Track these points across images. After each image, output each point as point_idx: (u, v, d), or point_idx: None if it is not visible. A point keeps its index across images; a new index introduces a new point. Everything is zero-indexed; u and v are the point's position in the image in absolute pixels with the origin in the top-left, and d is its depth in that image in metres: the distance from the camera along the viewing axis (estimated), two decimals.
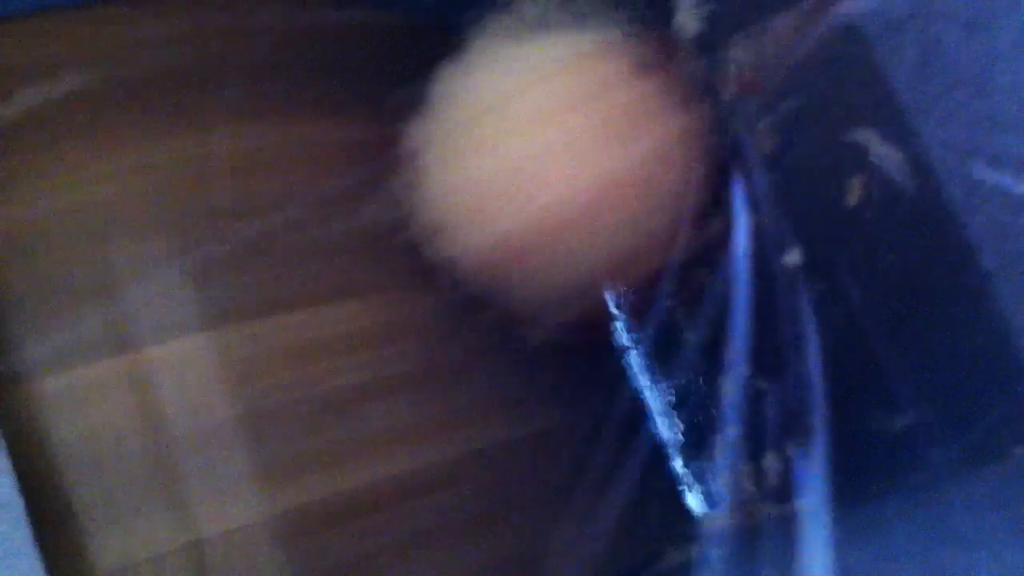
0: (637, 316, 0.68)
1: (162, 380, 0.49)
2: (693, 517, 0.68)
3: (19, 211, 0.49)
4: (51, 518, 0.45)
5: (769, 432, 0.62)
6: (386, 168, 0.56)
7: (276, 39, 0.56)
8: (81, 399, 0.47)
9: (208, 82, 0.53)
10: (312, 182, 0.55)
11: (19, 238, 0.48)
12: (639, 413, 0.70)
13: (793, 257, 0.54)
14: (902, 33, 0.43)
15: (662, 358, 0.70)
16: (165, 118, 0.52)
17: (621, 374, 0.70)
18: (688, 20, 0.56)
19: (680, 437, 0.70)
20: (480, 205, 0.54)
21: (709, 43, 0.54)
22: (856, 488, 0.55)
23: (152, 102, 0.52)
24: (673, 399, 0.71)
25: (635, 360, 0.71)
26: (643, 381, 0.72)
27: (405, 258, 0.56)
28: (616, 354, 0.71)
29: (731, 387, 0.64)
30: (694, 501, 0.69)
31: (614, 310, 0.71)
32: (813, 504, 0.58)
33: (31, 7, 0.50)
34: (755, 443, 0.63)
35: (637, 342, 0.71)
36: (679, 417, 0.70)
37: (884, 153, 0.47)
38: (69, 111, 0.50)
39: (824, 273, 0.53)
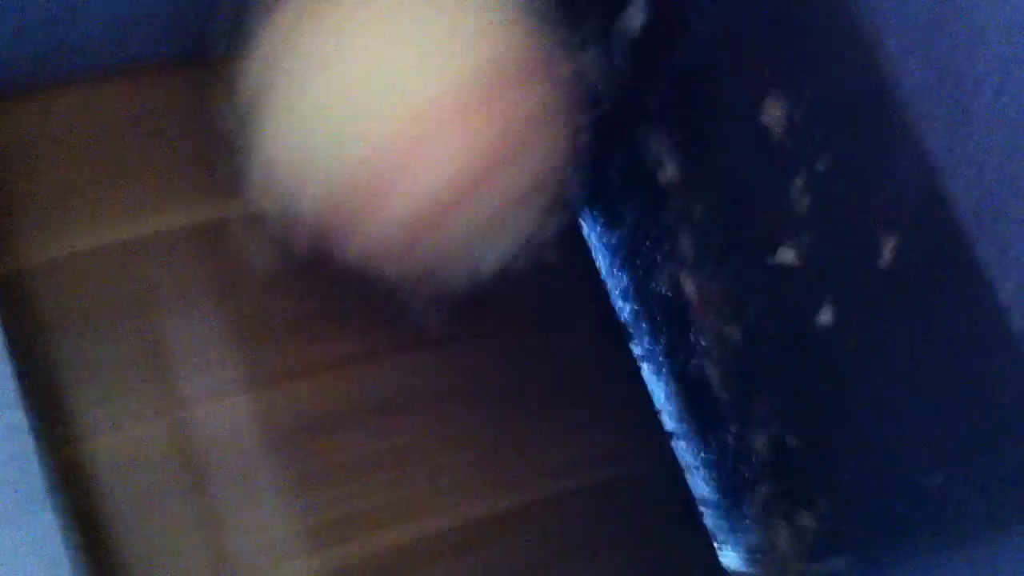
0: None
1: (207, 442, 0.49)
2: (729, 575, 0.68)
3: (72, 282, 0.50)
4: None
5: (803, 490, 0.62)
6: None
7: None
8: (130, 461, 0.48)
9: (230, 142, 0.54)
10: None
11: (73, 307, 0.49)
12: (674, 470, 0.70)
13: (826, 316, 0.54)
14: (933, 97, 0.44)
15: (695, 415, 0.70)
16: (206, 184, 0.53)
17: (655, 430, 0.71)
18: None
19: (714, 494, 0.70)
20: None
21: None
22: (893, 546, 0.54)
23: (190, 168, 0.53)
24: (706, 455, 0.71)
25: (667, 416, 0.72)
26: (676, 438, 0.72)
27: (444, 316, 0.57)
28: (649, 410, 0.71)
29: (763, 444, 0.64)
30: (729, 558, 0.68)
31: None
32: (848, 563, 0.58)
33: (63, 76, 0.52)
34: (789, 500, 0.63)
35: (669, 399, 0.72)
36: (713, 474, 0.70)
37: (916, 215, 0.47)
38: (111, 180, 0.52)
39: (856, 332, 0.53)
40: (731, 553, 0.68)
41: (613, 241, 0.70)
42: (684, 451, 0.72)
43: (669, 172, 0.63)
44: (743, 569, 0.67)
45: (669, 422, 0.72)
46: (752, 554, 0.66)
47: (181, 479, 0.49)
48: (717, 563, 0.69)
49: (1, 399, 0.41)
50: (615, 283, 0.71)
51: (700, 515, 0.70)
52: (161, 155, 0.53)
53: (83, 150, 0.52)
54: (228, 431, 0.50)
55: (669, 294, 0.68)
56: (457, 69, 0.49)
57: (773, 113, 0.53)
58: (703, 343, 0.66)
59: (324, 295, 0.54)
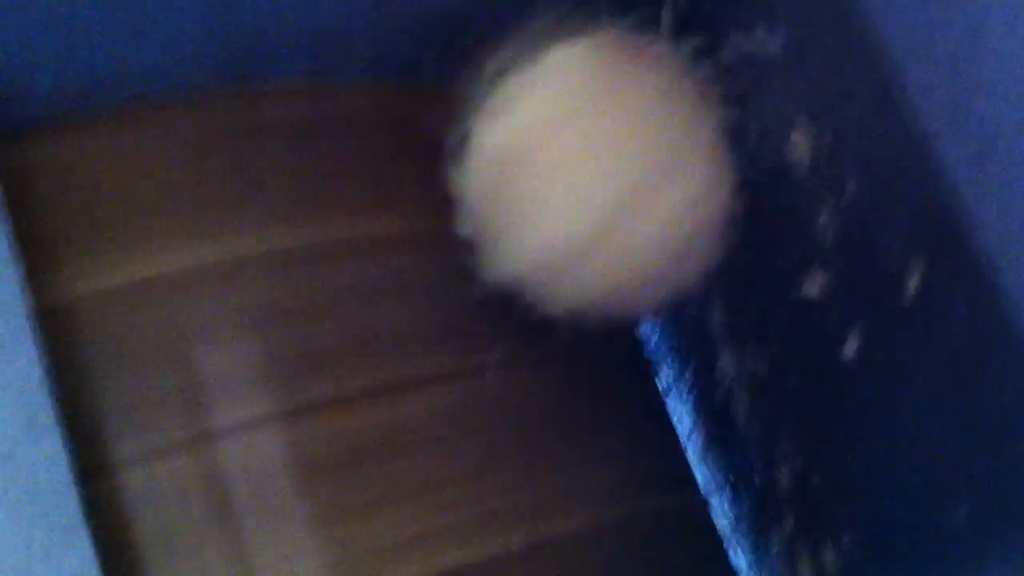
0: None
1: (239, 474, 0.49)
2: None
3: (109, 313, 0.50)
4: None
5: (828, 525, 0.61)
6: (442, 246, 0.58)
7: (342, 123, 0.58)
8: (162, 492, 0.48)
9: (287, 171, 0.55)
10: (380, 273, 0.56)
11: (110, 338, 0.50)
12: (699, 503, 0.70)
13: (851, 349, 0.55)
14: (957, 132, 0.44)
15: (720, 449, 0.70)
16: (246, 215, 0.53)
17: (680, 464, 0.70)
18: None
19: (739, 528, 0.70)
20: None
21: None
22: None
23: (227, 197, 0.54)
24: (731, 490, 0.71)
25: (692, 449, 0.72)
26: (702, 472, 0.72)
27: (472, 347, 0.57)
28: (674, 443, 0.71)
29: (788, 479, 0.64)
30: None
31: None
32: None
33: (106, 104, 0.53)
34: (813, 536, 0.63)
35: (694, 433, 0.72)
36: (737, 508, 0.70)
37: (940, 248, 0.47)
38: (148, 214, 0.52)
39: (881, 365, 0.53)
40: None
41: None
42: (709, 485, 0.72)
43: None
44: None
45: (694, 456, 0.72)
46: None
47: (213, 511, 0.49)
48: None
49: (42, 429, 0.41)
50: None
51: (724, 550, 0.69)
52: (198, 190, 0.54)
53: (122, 183, 0.53)
54: (260, 464, 0.50)
55: (694, 327, 0.68)
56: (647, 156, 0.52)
57: (798, 147, 0.54)
58: (728, 377, 0.66)
59: (356, 329, 0.54)
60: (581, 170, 0.52)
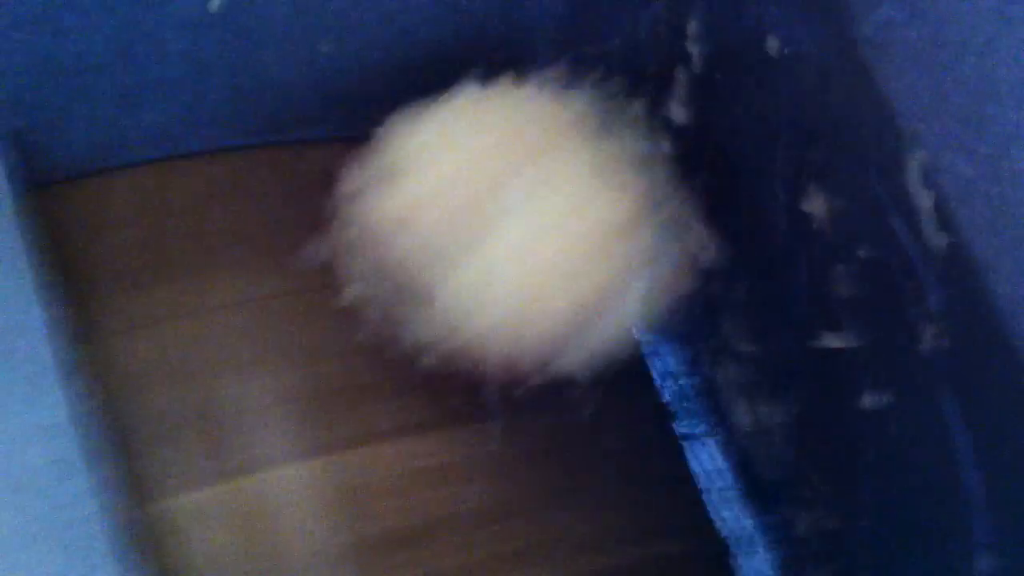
0: None
1: (266, 508, 0.50)
2: None
3: (133, 345, 0.52)
4: None
5: (856, 570, 0.61)
6: None
7: None
8: (187, 526, 0.49)
9: (299, 221, 0.56)
10: None
11: (146, 371, 0.51)
12: (717, 550, 0.70)
13: (869, 399, 0.55)
14: (972, 191, 0.45)
15: (739, 496, 0.71)
16: (269, 257, 0.55)
17: (698, 510, 0.71)
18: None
19: (768, 571, 0.70)
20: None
21: None
22: None
23: (255, 242, 0.55)
24: (751, 537, 0.71)
25: (710, 496, 0.72)
26: (721, 519, 0.72)
27: (497, 390, 0.58)
28: (692, 490, 0.71)
29: (808, 527, 0.64)
30: None
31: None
32: None
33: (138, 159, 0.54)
34: None
35: (712, 480, 0.72)
36: (758, 556, 0.70)
37: (956, 303, 0.48)
38: (183, 254, 0.54)
39: (899, 416, 0.54)
40: None
41: None
42: (729, 532, 0.72)
43: (711, 256, 0.64)
44: None
45: (712, 503, 0.72)
46: None
47: (243, 543, 0.50)
48: None
49: (70, 467, 0.42)
50: (659, 363, 0.72)
51: None
52: (230, 232, 0.55)
53: (157, 225, 0.54)
54: (290, 496, 0.51)
55: (713, 376, 0.68)
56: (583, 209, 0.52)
57: (815, 202, 0.54)
58: (748, 426, 0.67)
59: (387, 366, 0.55)
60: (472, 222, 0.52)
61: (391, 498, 0.53)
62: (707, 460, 0.71)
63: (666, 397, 0.71)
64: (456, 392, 0.56)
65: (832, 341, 0.56)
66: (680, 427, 0.71)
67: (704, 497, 0.71)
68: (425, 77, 0.57)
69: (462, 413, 0.57)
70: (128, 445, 0.49)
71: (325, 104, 0.57)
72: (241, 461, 0.51)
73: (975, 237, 0.45)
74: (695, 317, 0.67)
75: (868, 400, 0.55)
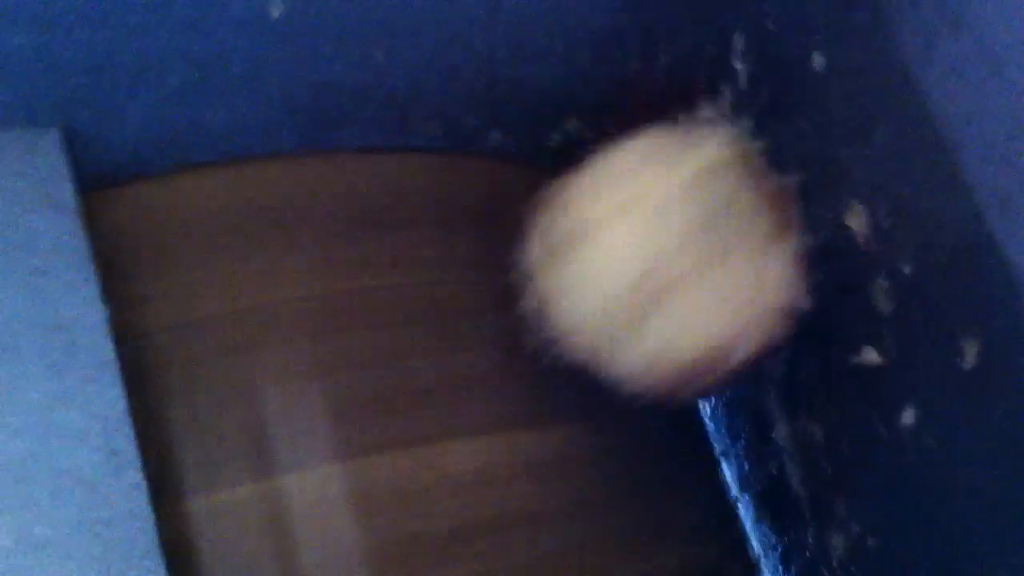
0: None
1: (296, 507, 0.51)
2: None
3: (184, 348, 0.52)
4: None
5: None
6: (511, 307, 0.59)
7: (409, 186, 0.60)
8: (224, 524, 0.50)
9: (345, 228, 0.57)
10: (443, 326, 0.57)
11: (183, 372, 0.52)
12: (748, 561, 0.69)
13: (908, 417, 0.55)
14: (1013, 207, 0.44)
15: (774, 511, 0.70)
16: (305, 260, 0.56)
17: (731, 523, 0.70)
18: None
19: None
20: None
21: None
22: None
23: (307, 246, 0.56)
24: (784, 552, 0.70)
25: (744, 510, 0.72)
26: (754, 532, 0.71)
27: (531, 397, 0.58)
28: (726, 504, 0.71)
29: (842, 544, 0.63)
30: None
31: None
32: None
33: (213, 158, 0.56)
34: None
35: (748, 495, 0.72)
36: (790, 571, 0.69)
37: (999, 320, 0.47)
38: (227, 258, 0.54)
39: (938, 434, 0.53)
40: None
41: None
42: (761, 546, 0.72)
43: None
44: None
45: (747, 517, 0.72)
46: None
47: (272, 544, 0.50)
48: None
49: (124, 459, 0.43)
50: None
51: None
52: (274, 237, 0.56)
53: (203, 229, 0.55)
54: (319, 499, 0.51)
55: (750, 392, 0.68)
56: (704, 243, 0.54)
57: (857, 217, 0.54)
58: (784, 441, 0.66)
59: (417, 374, 0.56)
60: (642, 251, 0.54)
61: (421, 504, 0.53)
62: (741, 477, 0.71)
63: (705, 414, 0.71)
64: (509, 398, 0.57)
65: (871, 357, 0.56)
66: (717, 443, 0.71)
67: (738, 511, 0.71)
68: (480, 92, 0.58)
69: (507, 419, 0.57)
70: (172, 442, 0.50)
71: (378, 110, 0.57)
72: (281, 461, 0.51)
73: (1017, 252, 0.45)
74: None
75: (907, 417, 0.54)
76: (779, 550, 0.69)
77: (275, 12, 0.49)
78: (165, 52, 0.50)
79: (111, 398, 0.44)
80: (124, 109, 0.51)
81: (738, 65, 0.60)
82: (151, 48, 0.49)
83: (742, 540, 0.69)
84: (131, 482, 0.42)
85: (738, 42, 0.59)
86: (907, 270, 0.52)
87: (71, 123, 0.50)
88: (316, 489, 0.51)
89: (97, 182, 0.53)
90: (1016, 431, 0.48)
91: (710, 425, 0.72)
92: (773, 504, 0.69)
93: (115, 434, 0.43)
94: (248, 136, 0.55)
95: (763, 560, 0.70)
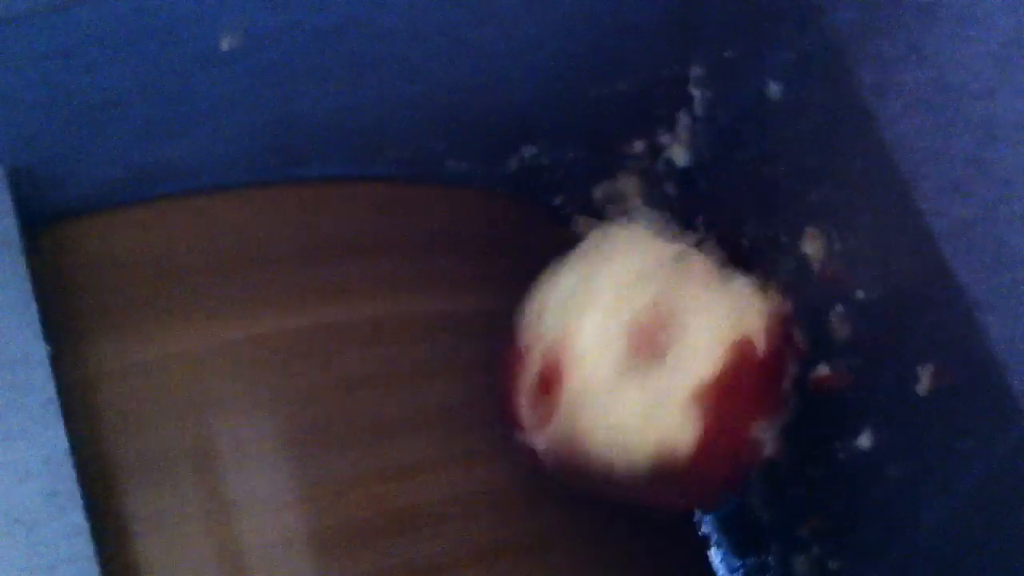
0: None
1: (254, 549, 0.49)
2: None
3: (135, 387, 0.51)
4: None
5: None
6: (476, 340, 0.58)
7: (371, 216, 0.59)
8: (175, 563, 0.48)
9: (302, 261, 0.56)
10: (403, 355, 0.56)
11: (134, 411, 0.50)
12: None
13: (865, 440, 0.55)
14: (969, 234, 0.44)
15: (735, 533, 0.70)
16: (261, 295, 0.54)
17: (695, 549, 0.70)
18: None
19: None
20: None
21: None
22: None
23: (249, 280, 0.54)
24: (746, 574, 0.70)
25: (706, 528, 0.71)
26: (715, 553, 0.71)
27: (492, 430, 0.57)
28: (691, 530, 0.70)
29: (804, 566, 0.63)
30: None
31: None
32: None
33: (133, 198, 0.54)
34: None
35: (707, 516, 0.71)
36: None
37: (953, 345, 0.47)
38: (178, 293, 0.53)
39: (895, 457, 0.53)
40: None
41: None
42: (722, 568, 0.71)
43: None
44: None
45: (708, 537, 0.71)
46: None
47: None
48: None
49: (66, 500, 0.41)
50: None
51: None
52: (232, 272, 0.54)
53: (157, 265, 0.53)
54: (275, 539, 0.50)
55: None
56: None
57: (813, 244, 0.54)
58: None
59: (374, 409, 0.55)
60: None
61: (379, 541, 0.52)
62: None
63: None
64: (475, 430, 0.56)
65: (828, 381, 0.56)
66: None
67: (698, 530, 0.70)
68: (443, 121, 0.58)
69: (472, 452, 0.56)
70: (119, 483, 0.48)
71: (342, 142, 0.57)
72: (236, 501, 0.50)
73: (972, 280, 0.45)
74: None
75: (864, 440, 0.54)
76: (740, 571, 0.69)
77: (225, 45, 0.48)
78: (129, 88, 0.48)
79: (53, 437, 0.42)
80: (80, 146, 0.50)
81: (696, 92, 0.60)
82: (115, 84, 0.48)
83: (703, 560, 0.69)
84: (73, 524, 0.41)
85: (696, 69, 0.59)
86: (862, 296, 0.52)
87: (24, 160, 0.49)
88: (273, 528, 0.50)
89: (54, 219, 0.51)
90: (971, 455, 0.48)
91: None
92: (735, 525, 0.69)
93: (57, 475, 0.42)
94: (209, 171, 0.54)
95: None
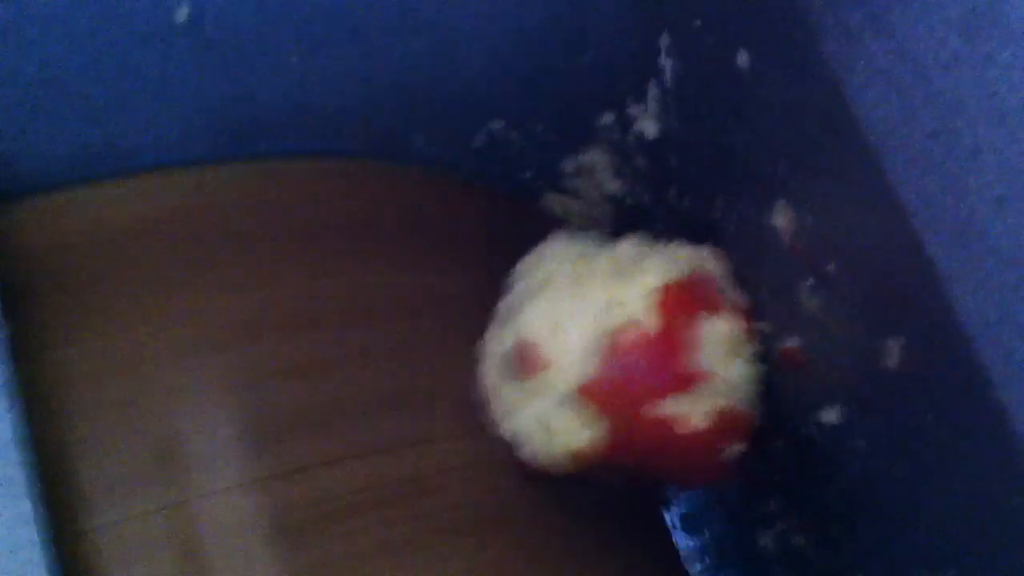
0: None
1: (211, 534, 0.48)
2: None
3: (91, 374, 0.49)
4: None
5: None
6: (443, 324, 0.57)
7: (327, 194, 0.58)
8: (132, 550, 0.47)
9: (274, 240, 0.55)
10: (358, 336, 0.55)
11: (91, 399, 0.49)
12: (675, 562, 0.69)
13: (831, 415, 0.54)
14: (936, 207, 0.44)
15: (703, 510, 0.70)
16: (212, 275, 0.53)
17: (658, 525, 0.70)
18: None
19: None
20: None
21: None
22: None
23: (218, 258, 0.53)
24: (712, 548, 0.70)
25: (673, 510, 0.71)
26: (682, 531, 0.71)
27: (457, 411, 0.56)
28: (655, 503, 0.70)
29: (771, 541, 0.63)
30: None
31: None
32: None
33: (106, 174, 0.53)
34: None
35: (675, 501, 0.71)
36: (720, 568, 0.69)
37: (922, 319, 0.47)
38: (138, 276, 0.52)
39: (862, 432, 0.53)
40: None
41: None
42: (688, 543, 0.71)
43: None
44: None
45: (674, 515, 0.71)
46: None
47: (182, 570, 0.48)
48: None
49: (14, 488, 0.40)
50: None
51: None
52: (186, 249, 0.53)
53: (104, 249, 0.52)
54: (232, 524, 0.49)
55: None
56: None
57: (782, 216, 0.54)
58: None
59: (329, 393, 0.54)
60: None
61: (337, 524, 0.51)
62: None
63: None
64: (440, 410, 0.55)
65: (795, 355, 0.55)
66: None
67: (662, 510, 0.70)
68: (402, 97, 0.57)
69: (437, 433, 0.55)
70: (68, 467, 0.47)
71: (296, 119, 0.55)
72: (186, 485, 0.49)
73: (940, 252, 0.44)
74: None
75: (832, 416, 0.54)
76: (708, 546, 0.69)
77: (180, 17, 0.47)
78: (69, 65, 0.47)
79: (2, 424, 0.41)
80: (26, 125, 0.48)
81: (665, 63, 0.59)
82: (54, 61, 0.46)
83: (667, 541, 0.69)
84: (21, 511, 0.40)
85: (665, 40, 0.58)
86: (832, 269, 0.51)
87: None
88: (230, 513, 0.49)
89: (2, 199, 0.50)
90: (939, 429, 0.48)
91: None
92: (704, 502, 0.69)
93: (7, 463, 0.41)
94: (162, 149, 0.52)
95: (689, 555, 0.70)
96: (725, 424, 0.55)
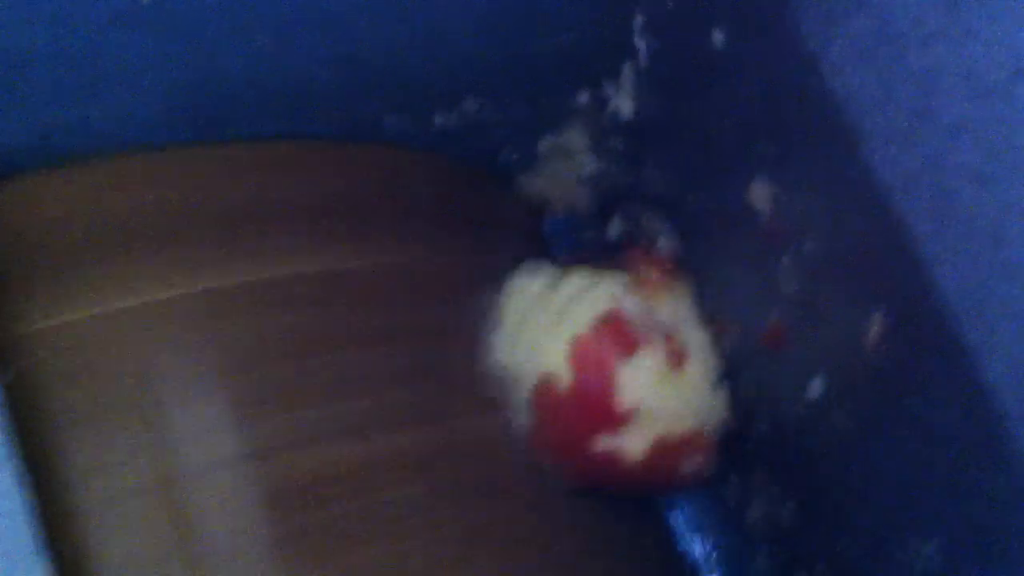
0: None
1: (199, 508, 0.47)
2: None
3: (74, 347, 0.48)
4: None
5: (801, 554, 0.60)
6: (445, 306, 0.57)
7: (301, 175, 0.57)
8: (120, 524, 0.46)
9: (254, 222, 0.53)
10: (362, 316, 0.54)
11: (74, 371, 0.48)
12: (667, 535, 0.69)
13: (815, 390, 0.53)
14: (917, 184, 0.43)
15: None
16: (210, 254, 0.52)
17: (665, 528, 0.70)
18: None
19: (712, 556, 0.69)
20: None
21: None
22: None
23: (197, 239, 0.52)
24: (704, 520, 0.70)
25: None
26: (674, 506, 0.71)
27: (453, 392, 0.56)
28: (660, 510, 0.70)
29: (761, 510, 0.63)
30: None
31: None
32: None
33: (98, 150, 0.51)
34: (788, 565, 0.62)
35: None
36: (711, 537, 0.69)
37: (903, 296, 0.46)
38: (117, 252, 0.50)
39: (846, 406, 0.52)
40: None
41: None
42: (681, 517, 0.71)
43: (663, 246, 0.63)
44: None
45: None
46: None
47: (170, 543, 0.46)
48: None
49: (5, 454, 0.40)
50: None
51: None
52: (161, 232, 0.52)
53: (82, 228, 0.51)
54: (220, 499, 0.48)
55: None
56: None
57: (760, 195, 0.53)
58: None
59: (323, 369, 0.53)
60: None
61: (327, 501, 0.50)
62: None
63: None
64: (424, 392, 0.55)
65: (776, 335, 0.55)
66: None
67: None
68: (375, 78, 0.55)
69: (419, 414, 0.54)
70: (57, 443, 0.46)
71: (271, 100, 0.54)
72: (171, 457, 0.48)
73: (921, 231, 0.43)
74: None
75: (814, 390, 0.53)
76: (698, 518, 0.69)
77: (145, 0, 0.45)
78: (37, 47, 0.45)
79: None
80: None
81: (639, 43, 0.58)
82: (21, 43, 0.45)
83: (660, 515, 0.69)
84: (5, 483, 0.39)
85: (639, 19, 0.57)
86: (810, 248, 0.50)
87: None
88: (218, 487, 0.48)
89: None
90: (921, 405, 0.47)
91: None
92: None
93: None
94: (128, 133, 0.51)
95: (682, 530, 0.70)
96: (668, 449, 0.56)
